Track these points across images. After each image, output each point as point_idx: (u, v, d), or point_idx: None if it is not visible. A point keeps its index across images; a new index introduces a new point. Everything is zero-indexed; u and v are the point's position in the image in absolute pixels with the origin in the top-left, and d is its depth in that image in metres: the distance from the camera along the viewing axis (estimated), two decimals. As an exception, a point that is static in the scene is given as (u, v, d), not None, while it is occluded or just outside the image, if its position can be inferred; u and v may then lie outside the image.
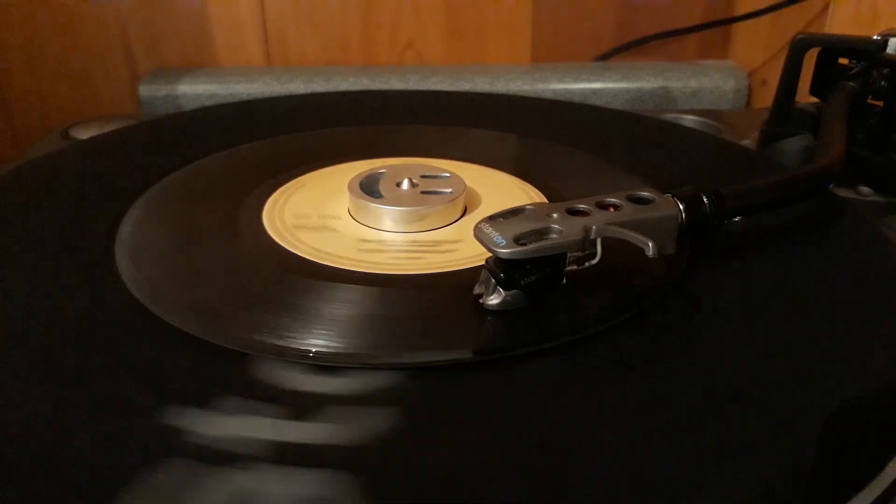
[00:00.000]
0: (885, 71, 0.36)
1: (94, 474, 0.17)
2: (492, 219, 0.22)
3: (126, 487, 0.16)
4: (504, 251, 0.21)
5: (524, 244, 0.21)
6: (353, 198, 0.29)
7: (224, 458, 0.17)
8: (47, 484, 0.17)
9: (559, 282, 0.23)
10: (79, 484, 0.17)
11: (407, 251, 0.27)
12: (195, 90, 0.55)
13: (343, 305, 0.23)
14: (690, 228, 0.24)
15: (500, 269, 0.22)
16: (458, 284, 0.24)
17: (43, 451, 0.17)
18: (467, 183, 0.30)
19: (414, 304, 0.24)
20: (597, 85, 0.55)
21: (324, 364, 0.21)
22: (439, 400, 0.20)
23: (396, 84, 0.55)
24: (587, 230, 0.22)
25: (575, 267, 0.23)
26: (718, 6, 0.58)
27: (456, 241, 0.28)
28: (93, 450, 0.18)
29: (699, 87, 0.55)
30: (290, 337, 0.22)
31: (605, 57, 0.60)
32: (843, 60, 0.38)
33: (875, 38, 0.36)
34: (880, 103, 0.37)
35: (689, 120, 0.46)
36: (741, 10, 0.58)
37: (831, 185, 0.31)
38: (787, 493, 0.17)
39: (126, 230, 0.28)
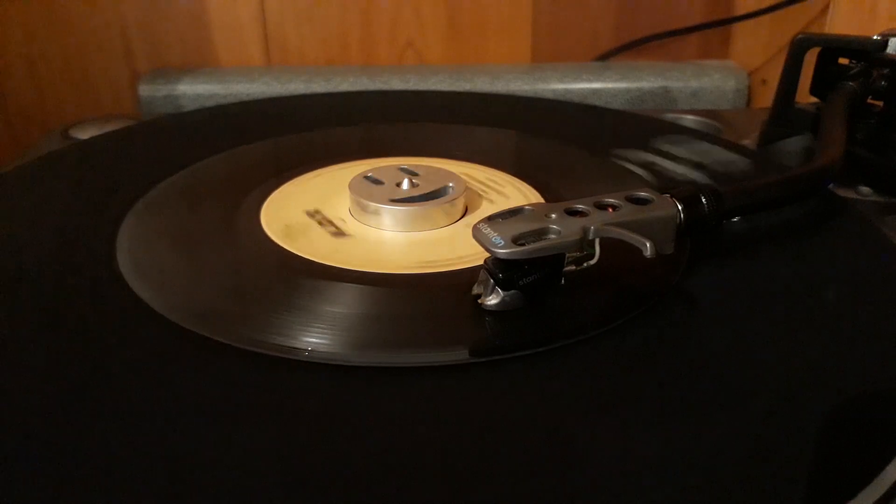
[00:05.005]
0: (885, 71, 0.36)
1: (95, 475, 0.17)
2: (490, 219, 0.22)
3: (126, 488, 0.16)
4: (502, 251, 0.21)
5: (522, 244, 0.21)
6: (353, 198, 0.29)
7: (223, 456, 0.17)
8: (48, 485, 0.17)
9: (558, 282, 0.23)
10: (80, 485, 0.17)
11: (406, 251, 0.27)
12: (195, 90, 0.55)
13: (341, 305, 0.23)
14: (689, 228, 0.24)
15: (499, 270, 0.22)
16: (457, 285, 0.24)
17: (44, 451, 0.17)
18: (467, 183, 0.30)
19: (412, 304, 0.24)
20: (597, 85, 0.55)
21: (321, 363, 0.21)
22: (437, 401, 0.20)
23: (396, 84, 0.55)
24: (585, 230, 0.22)
25: (573, 267, 0.23)
26: (718, 6, 0.58)
27: (456, 242, 0.28)
28: (94, 450, 0.18)
29: (699, 86, 0.55)
30: (288, 336, 0.22)
31: (605, 57, 0.60)
32: (843, 60, 0.38)
33: (875, 37, 0.36)
34: (880, 103, 0.37)
35: (689, 120, 0.46)
36: (741, 10, 0.58)
37: (831, 185, 0.31)
38: (788, 493, 0.17)
39: (126, 230, 0.28)
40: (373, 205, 0.28)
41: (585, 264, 0.23)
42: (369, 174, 0.30)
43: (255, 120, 0.42)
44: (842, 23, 0.49)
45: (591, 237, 0.22)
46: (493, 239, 0.21)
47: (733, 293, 0.25)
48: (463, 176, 0.30)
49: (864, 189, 0.35)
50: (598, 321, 0.23)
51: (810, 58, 0.38)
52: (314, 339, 0.21)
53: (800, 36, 0.38)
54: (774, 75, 0.40)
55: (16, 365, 0.21)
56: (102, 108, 0.57)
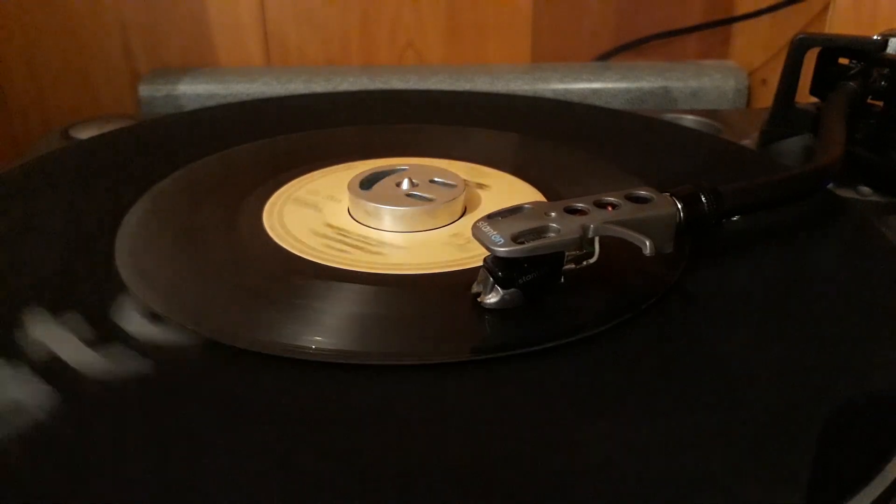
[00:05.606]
0: (885, 71, 0.36)
1: (94, 475, 0.17)
2: (490, 217, 0.22)
3: (126, 488, 0.16)
4: (502, 250, 0.21)
5: (522, 243, 0.21)
6: (352, 198, 0.29)
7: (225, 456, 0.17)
8: (48, 486, 0.17)
9: (557, 281, 0.23)
10: (78, 486, 0.17)
11: (406, 251, 0.27)
12: (195, 90, 0.55)
13: (342, 305, 0.23)
14: (689, 227, 0.24)
15: (499, 268, 0.22)
16: (457, 284, 0.24)
17: (42, 452, 0.17)
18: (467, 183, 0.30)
19: (412, 303, 0.24)
20: (597, 85, 0.55)
21: (322, 363, 0.21)
22: (436, 399, 0.20)
23: (396, 84, 0.55)
24: (585, 229, 0.22)
25: (573, 266, 0.23)
26: (718, 6, 0.58)
27: (455, 241, 0.27)
28: (93, 450, 0.18)
29: (699, 86, 0.55)
30: (289, 336, 0.21)
31: (605, 57, 0.60)
32: (843, 60, 0.38)
33: (875, 37, 0.36)
34: (880, 103, 0.37)
35: (689, 120, 0.46)
36: (741, 9, 0.58)
37: (831, 185, 0.31)
38: (788, 493, 0.17)
39: (126, 230, 0.28)
40: (372, 205, 0.28)
41: (585, 263, 0.23)
42: (369, 174, 0.30)
43: (254, 120, 0.42)
44: (842, 23, 0.49)
45: (590, 235, 0.22)
46: (492, 237, 0.21)
47: (733, 292, 0.25)
48: (462, 176, 0.30)
49: (864, 189, 0.35)
50: (597, 320, 0.23)
51: (810, 58, 0.38)
52: (313, 339, 0.21)
53: (800, 36, 0.38)
54: (774, 75, 0.40)
55: (13, 364, 0.21)
56: (102, 108, 0.57)
